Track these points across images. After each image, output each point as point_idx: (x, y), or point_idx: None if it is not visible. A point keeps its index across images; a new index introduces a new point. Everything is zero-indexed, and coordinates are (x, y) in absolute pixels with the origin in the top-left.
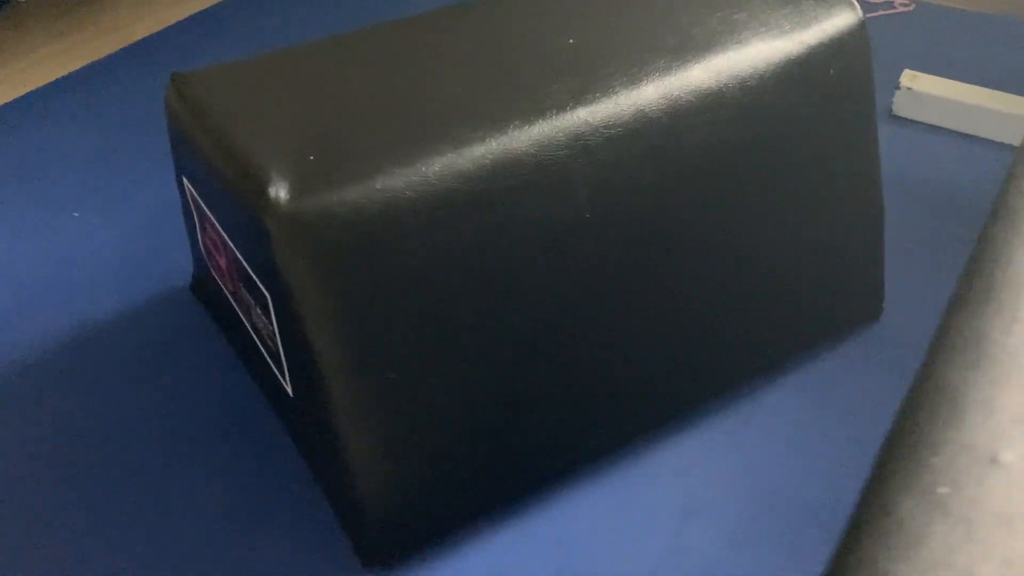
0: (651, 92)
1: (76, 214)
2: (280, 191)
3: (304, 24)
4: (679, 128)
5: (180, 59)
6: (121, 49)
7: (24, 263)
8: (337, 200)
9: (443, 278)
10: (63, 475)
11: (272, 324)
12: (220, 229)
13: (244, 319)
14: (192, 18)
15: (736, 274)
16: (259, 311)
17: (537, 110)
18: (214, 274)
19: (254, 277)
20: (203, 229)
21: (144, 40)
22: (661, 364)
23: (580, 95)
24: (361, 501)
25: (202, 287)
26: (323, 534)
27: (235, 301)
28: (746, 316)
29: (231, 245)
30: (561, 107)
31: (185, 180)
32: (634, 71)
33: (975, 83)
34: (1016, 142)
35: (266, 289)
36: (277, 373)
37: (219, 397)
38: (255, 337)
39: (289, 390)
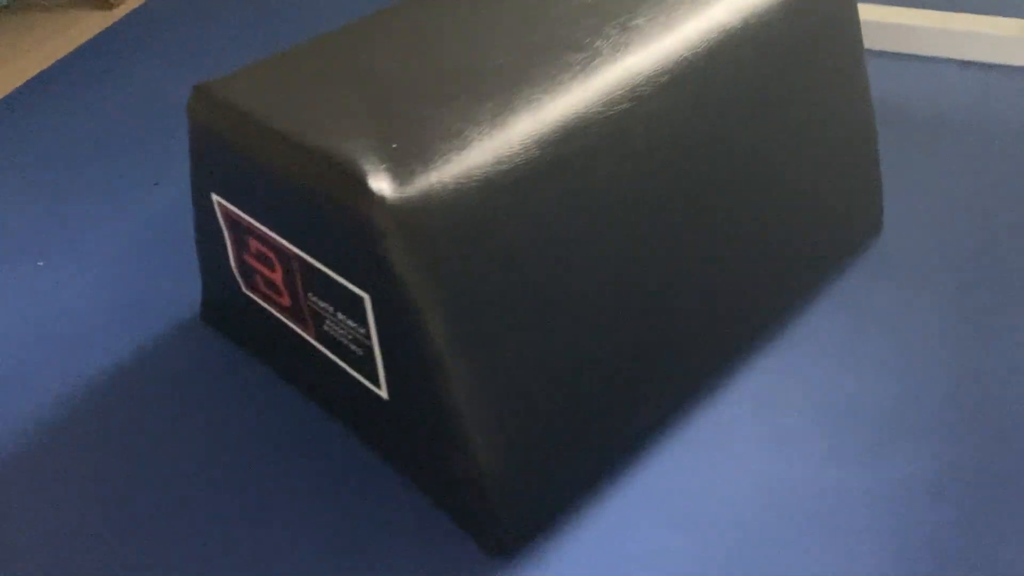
0: (687, 35)
1: (40, 263)
2: (381, 183)
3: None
4: (713, 68)
5: (94, 82)
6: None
7: (1, 330)
8: (437, 183)
9: (533, 245)
10: (145, 538)
11: (367, 325)
12: (279, 239)
13: (305, 332)
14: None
15: (766, 205)
16: (341, 316)
17: (591, 68)
18: (250, 294)
19: (340, 280)
20: (241, 246)
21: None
22: (719, 301)
23: (625, 48)
24: (485, 486)
25: (220, 312)
26: (436, 536)
27: (291, 316)
28: (779, 245)
29: (298, 254)
30: (612, 62)
31: (215, 197)
32: (663, 18)
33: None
34: (969, 58)
35: (363, 289)
36: (364, 379)
37: (274, 420)
38: (324, 348)
39: (383, 393)
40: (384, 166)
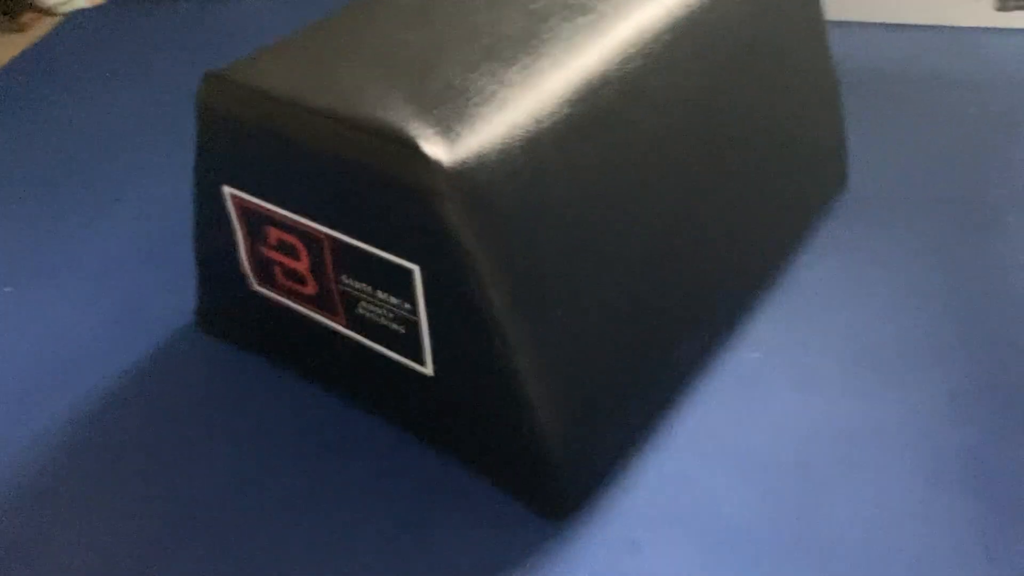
0: None
1: (8, 288)
2: (435, 148)
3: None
4: (706, 25)
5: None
6: None
7: None
8: (487, 145)
9: (576, 200)
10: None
11: (414, 299)
12: (308, 223)
13: (332, 320)
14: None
15: (755, 155)
16: (381, 295)
17: (601, 29)
18: (262, 290)
19: (384, 256)
20: (258, 238)
21: None
22: (732, 246)
23: (627, 8)
24: (546, 448)
25: (219, 316)
26: (490, 509)
27: (317, 305)
28: (769, 193)
29: (332, 235)
30: (619, 22)
31: (228, 190)
32: None
33: None
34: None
35: (411, 261)
36: (405, 359)
37: (297, 417)
38: (356, 333)
39: (428, 370)
40: (432, 132)
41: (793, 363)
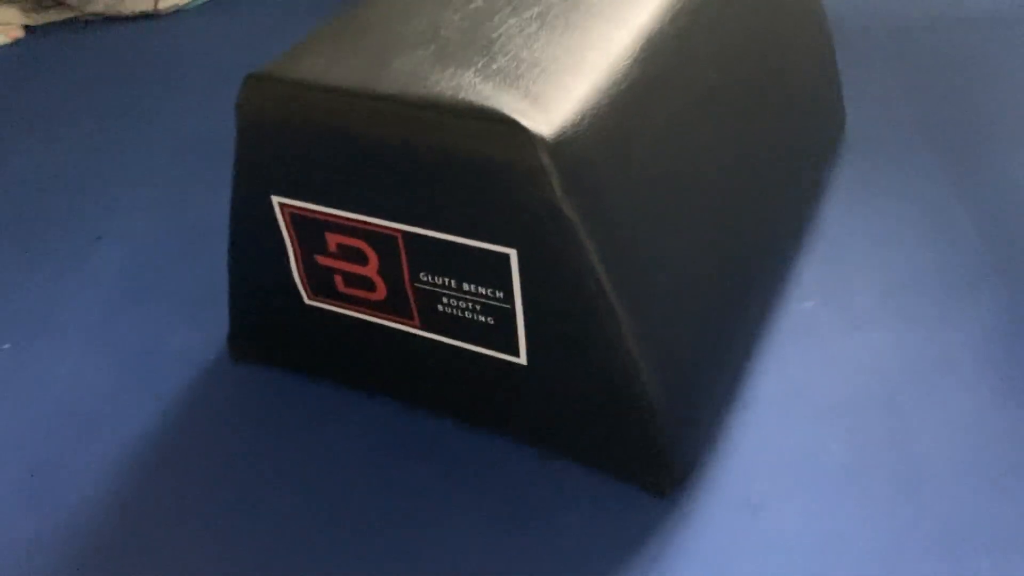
0: None
1: (6, 345)
2: (534, 123)
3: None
4: None
5: None
6: None
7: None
8: (577, 115)
9: (658, 163)
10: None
11: (509, 286)
12: (379, 222)
13: (405, 324)
14: None
15: (780, 105)
16: (468, 287)
17: None
18: (317, 303)
19: (474, 245)
20: (314, 248)
21: None
22: (775, 197)
23: None
24: (655, 424)
25: (260, 339)
26: (596, 496)
27: (386, 310)
28: (794, 143)
29: (410, 231)
30: None
31: (277, 200)
32: None
33: None
34: None
35: (507, 245)
36: (494, 352)
37: (367, 432)
38: (433, 334)
39: (521, 359)
40: (525, 106)
41: (846, 306)
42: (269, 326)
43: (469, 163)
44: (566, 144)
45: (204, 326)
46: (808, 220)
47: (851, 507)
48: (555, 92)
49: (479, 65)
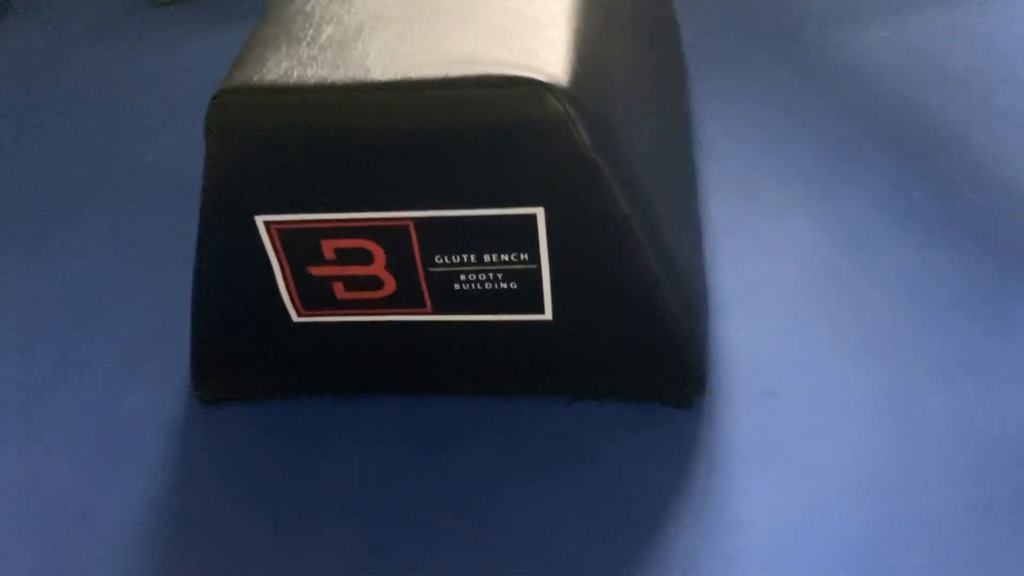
0: None
1: None
2: (550, 76)
3: None
4: None
5: None
6: None
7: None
8: (578, 67)
9: (628, 102)
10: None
11: (535, 245)
12: (387, 215)
13: (418, 313)
14: None
15: (658, 32)
16: (490, 258)
17: None
18: (309, 318)
19: (498, 213)
20: (307, 260)
21: None
22: (677, 111)
23: None
24: (685, 341)
25: (232, 372)
26: (628, 423)
27: (395, 304)
28: (671, 64)
29: (423, 217)
30: None
31: (263, 219)
32: None
33: None
34: None
35: (534, 204)
36: (517, 315)
37: (383, 435)
38: (449, 315)
39: (547, 315)
40: (531, 64)
41: (756, 201)
42: (246, 355)
43: (491, 132)
44: (579, 91)
45: (158, 375)
46: (693, 129)
47: (840, 361)
48: (543, 47)
49: (452, 38)
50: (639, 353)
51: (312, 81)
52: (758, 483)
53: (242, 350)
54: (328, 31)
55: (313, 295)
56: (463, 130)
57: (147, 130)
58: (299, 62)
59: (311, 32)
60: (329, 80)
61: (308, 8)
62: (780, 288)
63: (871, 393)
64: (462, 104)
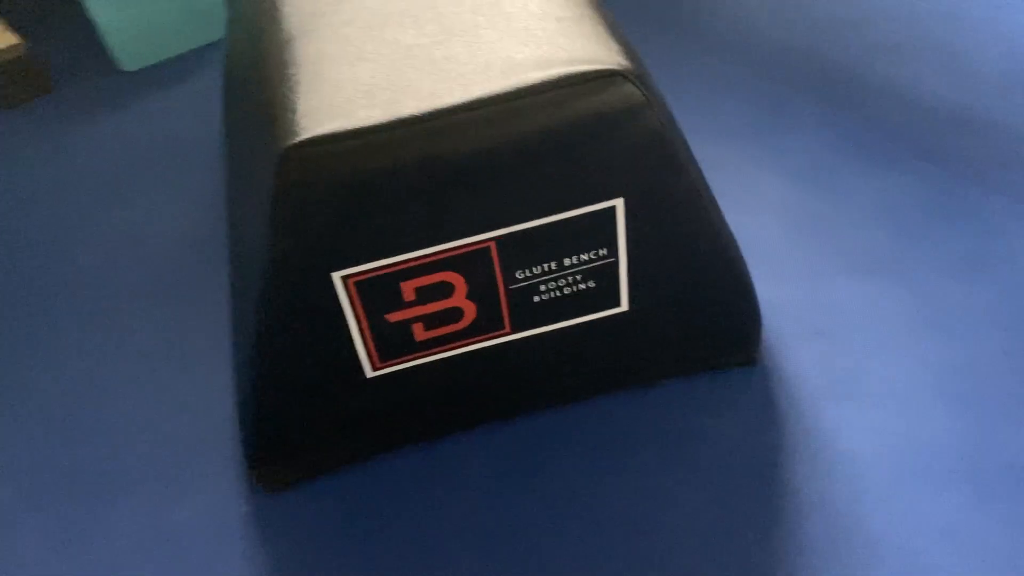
0: None
1: None
2: (624, 66)
3: None
4: None
5: None
6: None
7: None
8: (625, 50)
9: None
10: None
11: (613, 238)
12: (463, 242)
13: (497, 336)
14: None
15: None
16: (570, 262)
17: None
18: (386, 370)
19: (576, 214)
20: (385, 307)
21: None
22: None
23: None
24: (754, 307)
25: (295, 449)
26: (701, 397)
27: (475, 332)
28: None
29: (501, 235)
30: None
31: (339, 274)
32: None
33: None
34: None
35: (613, 196)
36: (594, 314)
37: (488, 467)
38: (528, 331)
39: (623, 306)
40: (597, 56)
41: (712, 163)
42: (314, 426)
43: (572, 131)
44: (643, 74)
45: (206, 480)
46: None
47: (861, 287)
48: (588, 41)
49: (490, 48)
50: (710, 322)
51: (390, 117)
52: (850, 412)
53: (309, 421)
54: (365, 67)
55: (391, 343)
56: (544, 136)
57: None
58: (355, 101)
59: (347, 69)
60: (406, 113)
61: (312, 50)
62: (771, 239)
63: (903, 305)
64: (543, 109)
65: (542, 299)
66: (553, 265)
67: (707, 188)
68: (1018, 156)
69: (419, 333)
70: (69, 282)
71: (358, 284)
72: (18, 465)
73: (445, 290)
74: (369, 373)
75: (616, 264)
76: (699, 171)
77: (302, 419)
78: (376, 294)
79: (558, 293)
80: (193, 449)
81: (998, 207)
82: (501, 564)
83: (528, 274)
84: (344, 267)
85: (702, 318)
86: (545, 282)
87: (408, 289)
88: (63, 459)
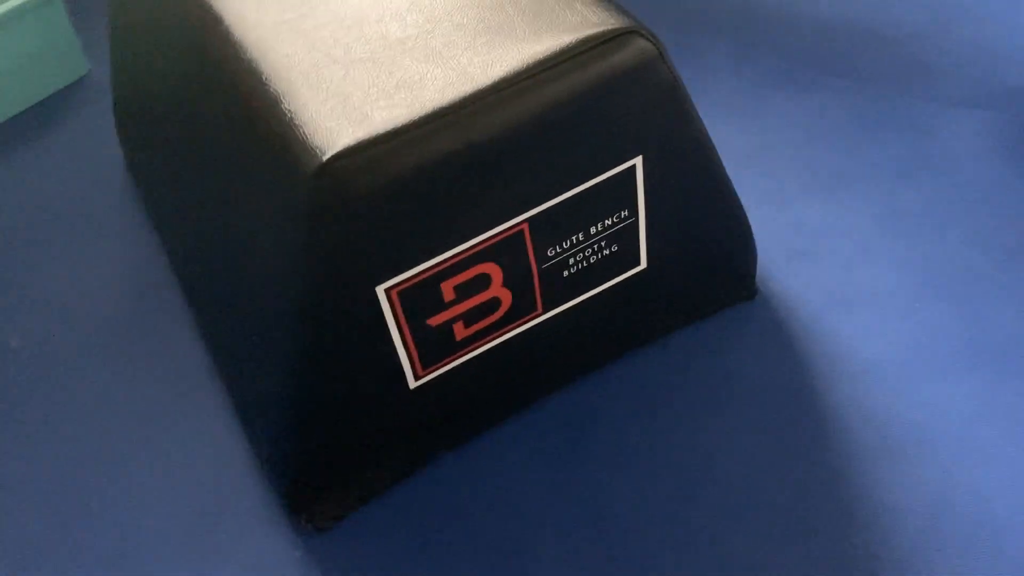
0: None
1: None
2: (635, 24)
3: None
4: None
5: None
6: None
7: None
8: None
9: None
10: None
11: (633, 198)
12: (503, 228)
13: (532, 319)
14: None
15: None
16: (596, 229)
17: None
18: (428, 375)
19: (599, 180)
20: (428, 312)
21: None
22: None
23: None
24: (753, 249)
25: (341, 487)
26: (715, 332)
27: (510, 320)
28: None
29: (534, 214)
30: None
31: (382, 289)
32: None
33: None
34: None
35: (632, 155)
36: (618, 277)
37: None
38: (560, 307)
39: (642, 264)
40: (603, 19)
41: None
42: (358, 450)
43: (596, 94)
44: (649, 31)
45: (238, 538)
46: None
47: (821, 206)
48: (576, 8)
49: (493, 29)
50: (716, 264)
51: (418, 114)
52: (855, 322)
53: (354, 446)
54: (363, 68)
55: (433, 348)
56: (569, 104)
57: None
58: (367, 103)
59: (345, 73)
60: (432, 106)
61: (296, 60)
62: (773, 167)
63: (864, 215)
64: (566, 77)
65: (570, 273)
66: (580, 236)
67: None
68: (937, 63)
69: (459, 332)
70: (7, 369)
71: (401, 294)
72: (25, 565)
73: (483, 283)
74: (412, 384)
75: (636, 223)
76: (697, 112)
77: (347, 445)
78: (417, 300)
79: (585, 264)
80: (216, 506)
81: (925, 112)
82: (587, 541)
83: (558, 250)
84: (387, 279)
85: (709, 261)
86: (573, 255)
87: (448, 289)
88: (71, 550)
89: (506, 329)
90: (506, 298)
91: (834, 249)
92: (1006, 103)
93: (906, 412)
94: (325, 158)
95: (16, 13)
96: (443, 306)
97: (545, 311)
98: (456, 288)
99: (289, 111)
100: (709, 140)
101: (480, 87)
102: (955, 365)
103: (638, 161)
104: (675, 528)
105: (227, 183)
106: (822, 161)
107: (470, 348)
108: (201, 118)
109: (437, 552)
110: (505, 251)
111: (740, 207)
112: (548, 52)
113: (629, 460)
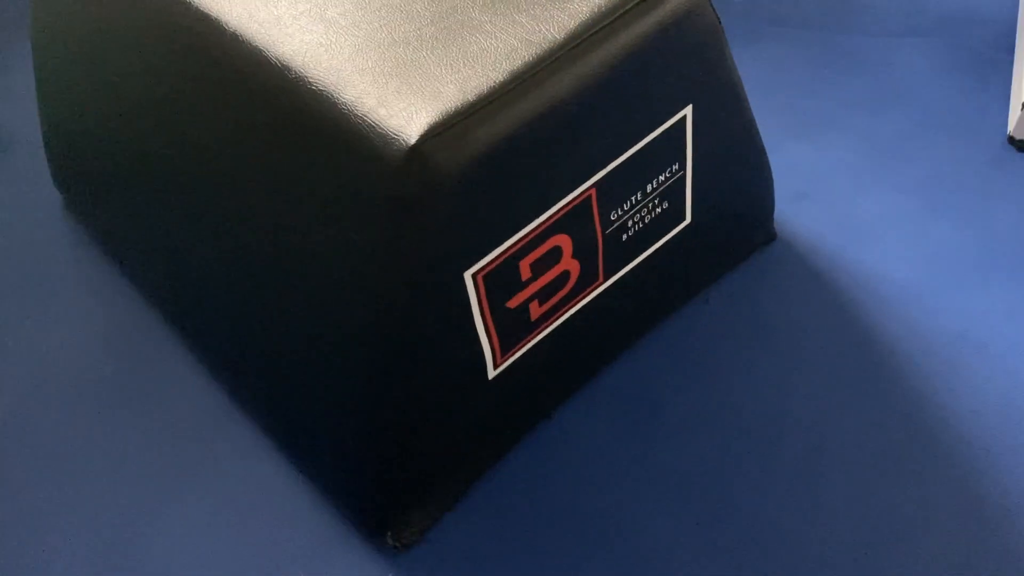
0: None
1: None
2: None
3: None
4: None
5: None
6: None
7: None
8: None
9: None
10: None
11: (683, 151)
12: (574, 195)
13: (597, 287)
14: None
15: None
16: (652, 186)
17: None
18: (507, 360)
19: (655, 135)
20: (508, 293)
21: None
22: None
23: None
24: (772, 193)
25: (422, 480)
26: (745, 278)
27: (580, 290)
28: None
29: (601, 178)
30: None
31: (469, 275)
32: None
33: None
34: None
35: (684, 105)
36: (670, 233)
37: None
38: (621, 272)
39: (687, 219)
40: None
41: None
42: (440, 453)
43: (654, 44)
44: None
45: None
46: None
47: (809, 149)
48: None
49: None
50: (745, 210)
51: (489, 85)
52: (876, 250)
53: (437, 451)
54: (405, 49)
55: (511, 331)
56: (627, 59)
57: None
58: (430, 81)
59: (388, 55)
60: (502, 76)
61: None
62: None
63: (850, 151)
64: (624, 31)
65: (628, 235)
66: (639, 195)
67: None
68: (884, 4)
69: (534, 311)
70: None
71: (486, 277)
72: None
73: (555, 256)
74: (491, 373)
75: (684, 176)
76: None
77: (428, 451)
78: (499, 283)
79: (641, 225)
80: (290, 547)
81: (875, 47)
82: (696, 503)
83: (620, 212)
84: (474, 263)
85: (740, 208)
86: (632, 216)
87: (525, 267)
88: None
89: (573, 303)
90: (575, 270)
91: (832, 186)
92: (939, 28)
93: (948, 327)
94: (412, 141)
95: None
96: (520, 286)
97: (605, 279)
98: (532, 265)
99: (347, 101)
100: (742, 84)
101: (547, 50)
102: (978, 276)
103: (688, 111)
104: (764, 479)
105: (256, 195)
106: (796, 107)
107: (542, 327)
108: (200, 133)
109: (530, 540)
110: (575, 220)
111: (764, 150)
112: (605, 6)
113: (704, 420)
